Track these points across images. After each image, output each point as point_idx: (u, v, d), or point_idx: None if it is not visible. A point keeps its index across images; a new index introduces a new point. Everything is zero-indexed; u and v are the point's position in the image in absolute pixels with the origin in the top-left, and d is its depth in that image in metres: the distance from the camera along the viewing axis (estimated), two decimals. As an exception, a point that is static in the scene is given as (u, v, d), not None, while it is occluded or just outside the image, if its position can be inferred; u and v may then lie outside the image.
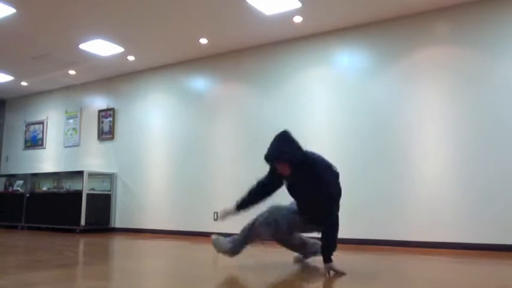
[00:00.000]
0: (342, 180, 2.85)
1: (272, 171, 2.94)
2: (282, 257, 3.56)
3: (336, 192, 2.80)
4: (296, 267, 2.81)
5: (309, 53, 5.43)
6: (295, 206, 2.93)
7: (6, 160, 8.84)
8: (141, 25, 5.24)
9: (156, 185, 6.56)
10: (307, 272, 2.61)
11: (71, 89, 7.94)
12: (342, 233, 4.84)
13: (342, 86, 5.16)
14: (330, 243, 2.63)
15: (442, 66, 4.62)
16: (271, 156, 2.76)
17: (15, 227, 7.46)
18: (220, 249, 2.99)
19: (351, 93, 5.10)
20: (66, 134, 7.87)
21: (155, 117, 6.74)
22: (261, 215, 2.90)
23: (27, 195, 7.43)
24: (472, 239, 4.22)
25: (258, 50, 5.85)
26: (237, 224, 3.18)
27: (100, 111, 7.39)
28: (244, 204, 2.97)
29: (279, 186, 2.94)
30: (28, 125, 8.52)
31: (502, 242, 4.10)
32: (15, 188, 7.94)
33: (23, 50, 6.10)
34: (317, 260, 2.75)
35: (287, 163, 2.74)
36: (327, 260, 2.61)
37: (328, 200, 2.71)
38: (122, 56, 6.32)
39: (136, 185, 6.80)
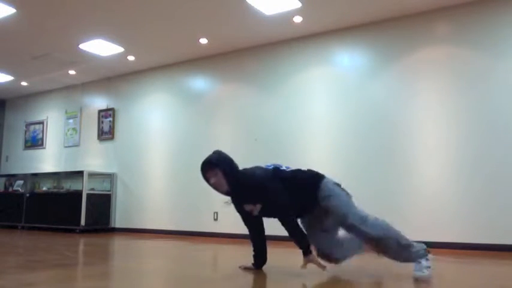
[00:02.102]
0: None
1: (237, 207, 2.81)
2: (283, 256, 3.57)
3: (285, 198, 2.59)
4: (298, 266, 2.81)
5: (309, 53, 5.43)
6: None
7: (6, 160, 8.84)
8: (141, 25, 5.24)
9: (156, 185, 6.56)
10: (308, 271, 2.60)
11: (71, 89, 7.94)
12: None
13: (342, 86, 5.16)
14: (304, 234, 2.55)
15: (442, 66, 4.62)
16: (208, 162, 2.60)
17: (15, 227, 7.45)
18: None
19: (351, 93, 5.10)
20: (66, 134, 7.87)
21: (155, 117, 6.74)
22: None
23: (27, 195, 7.43)
24: (472, 239, 4.22)
25: (258, 50, 5.85)
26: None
27: (100, 111, 7.39)
28: (260, 260, 2.81)
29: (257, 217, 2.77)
30: (28, 125, 8.52)
31: (502, 242, 4.09)
32: (15, 188, 7.94)
33: (23, 50, 6.10)
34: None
35: (221, 173, 2.59)
36: (307, 252, 2.53)
37: (282, 208, 2.58)
38: (122, 56, 6.32)
39: (136, 185, 6.80)
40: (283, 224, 2.58)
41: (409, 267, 2.54)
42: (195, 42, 5.75)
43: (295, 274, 2.59)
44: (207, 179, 2.67)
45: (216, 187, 2.65)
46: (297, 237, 2.54)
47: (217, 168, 2.60)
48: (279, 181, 2.62)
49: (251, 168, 2.72)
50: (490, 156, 4.27)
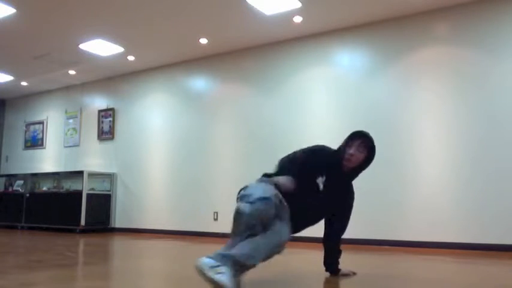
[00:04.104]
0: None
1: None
2: (284, 256, 3.56)
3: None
4: (296, 266, 2.81)
5: (309, 53, 5.43)
6: None
7: (6, 160, 8.84)
8: (141, 25, 5.24)
9: (156, 185, 6.56)
10: (307, 271, 2.61)
11: (71, 89, 7.94)
12: (342, 233, 4.87)
13: (342, 86, 5.16)
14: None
15: (442, 66, 4.62)
16: (367, 135, 2.62)
17: (15, 227, 7.46)
18: None
19: (350, 93, 5.10)
20: (66, 134, 7.87)
21: (155, 117, 6.74)
22: None
23: (27, 195, 7.43)
24: (472, 239, 4.22)
25: (258, 50, 5.85)
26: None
27: (100, 111, 7.39)
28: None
29: None
30: (28, 125, 8.52)
31: (502, 242, 4.09)
32: (15, 188, 7.94)
33: (23, 50, 6.10)
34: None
35: (366, 155, 2.59)
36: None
37: (349, 214, 2.65)
38: (122, 56, 6.32)
39: (136, 185, 6.80)
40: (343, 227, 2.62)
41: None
42: (195, 42, 5.75)
43: (294, 273, 2.59)
44: (351, 146, 2.62)
45: (350, 158, 2.59)
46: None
47: (369, 151, 2.60)
48: None
49: None
50: (489, 156, 4.27)
